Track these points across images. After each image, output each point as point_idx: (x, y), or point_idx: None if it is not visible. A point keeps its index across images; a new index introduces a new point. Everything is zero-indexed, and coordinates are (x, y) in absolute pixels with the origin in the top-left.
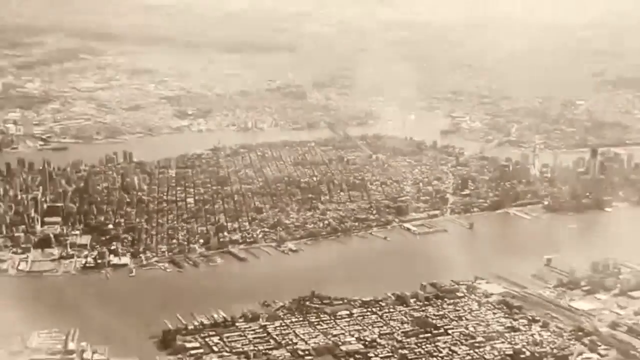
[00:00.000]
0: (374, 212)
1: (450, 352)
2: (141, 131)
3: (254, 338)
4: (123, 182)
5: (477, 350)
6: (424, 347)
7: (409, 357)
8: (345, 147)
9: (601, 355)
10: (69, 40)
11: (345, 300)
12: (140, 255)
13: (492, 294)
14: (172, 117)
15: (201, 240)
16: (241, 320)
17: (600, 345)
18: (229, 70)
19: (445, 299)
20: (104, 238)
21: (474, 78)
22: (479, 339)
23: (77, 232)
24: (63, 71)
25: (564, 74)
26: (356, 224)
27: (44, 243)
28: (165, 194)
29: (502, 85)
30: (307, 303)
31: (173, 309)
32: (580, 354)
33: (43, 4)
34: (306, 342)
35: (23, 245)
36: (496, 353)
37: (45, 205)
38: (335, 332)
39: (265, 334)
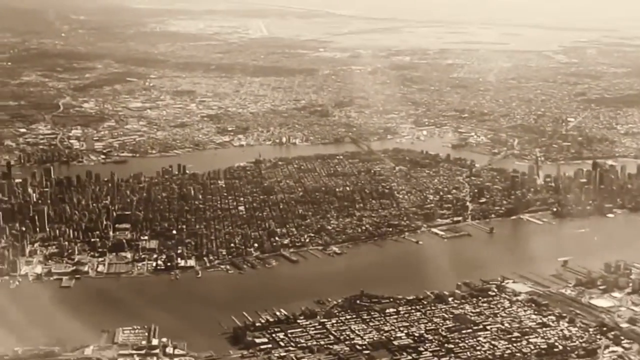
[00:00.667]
0: (404, 218)
1: (492, 347)
2: (189, 146)
3: (315, 334)
4: (181, 192)
5: (514, 344)
6: (466, 342)
7: (455, 351)
8: (370, 160)
9: (625, 349)
10: (117, 65)
11: (392, 299)
12: (204, 258)
13: (520, 293)
14: (215, 134)
15: (255, 244)
16: (301, 317)
17: (623, 340)
18: (258, 91)
19: (480, 298)
20: (169, 243)
21: (471, 98)
22: (515, 334)
23: (146, 237)
24: (114, 92)
25: (550, 93)
26: (390, 229)
27: (117, 247)
28: (218, 202)
29: (498, 104)
30: (358, 301)
31: (239, 307)
32: (607, 347)
33: (95, 35)
34: (362, 338)
35: (99, 250)
36: (532, 347)
37: (114, 213)
38: (386, 329)
39: (324, 330)
